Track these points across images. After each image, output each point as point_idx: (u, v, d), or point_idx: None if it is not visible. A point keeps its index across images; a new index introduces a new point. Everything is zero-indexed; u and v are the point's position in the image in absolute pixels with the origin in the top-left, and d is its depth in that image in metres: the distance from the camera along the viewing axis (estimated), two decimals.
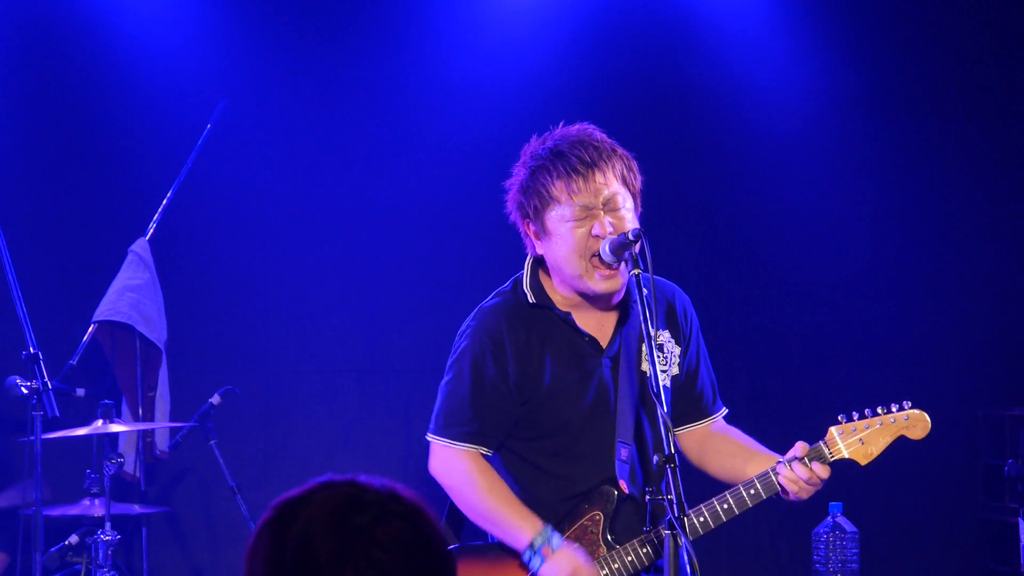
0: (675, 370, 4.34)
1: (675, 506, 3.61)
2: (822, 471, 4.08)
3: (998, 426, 7.63)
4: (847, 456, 4.12)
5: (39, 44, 7.06)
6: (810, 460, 4.08)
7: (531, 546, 4.13)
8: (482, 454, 4.27)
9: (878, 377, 7.54)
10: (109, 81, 7.12)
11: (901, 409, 4.15)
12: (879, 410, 4.16)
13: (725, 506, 4.08)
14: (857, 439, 4.11)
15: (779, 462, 4.12)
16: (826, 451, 4.10)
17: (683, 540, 3.57)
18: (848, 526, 6.16)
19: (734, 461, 4.31)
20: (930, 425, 4.15)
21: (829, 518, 6.17)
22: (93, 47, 7.09)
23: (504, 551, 4.25)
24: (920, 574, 7.65)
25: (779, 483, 4.08)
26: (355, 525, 2.01)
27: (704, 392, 4.42)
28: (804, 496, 4.10)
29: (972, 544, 7.70)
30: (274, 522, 2.06)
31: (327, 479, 2.10)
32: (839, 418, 4.13)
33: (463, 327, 4.35)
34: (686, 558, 3.58)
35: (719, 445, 4.39)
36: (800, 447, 4.11)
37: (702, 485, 4.35)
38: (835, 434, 4.12)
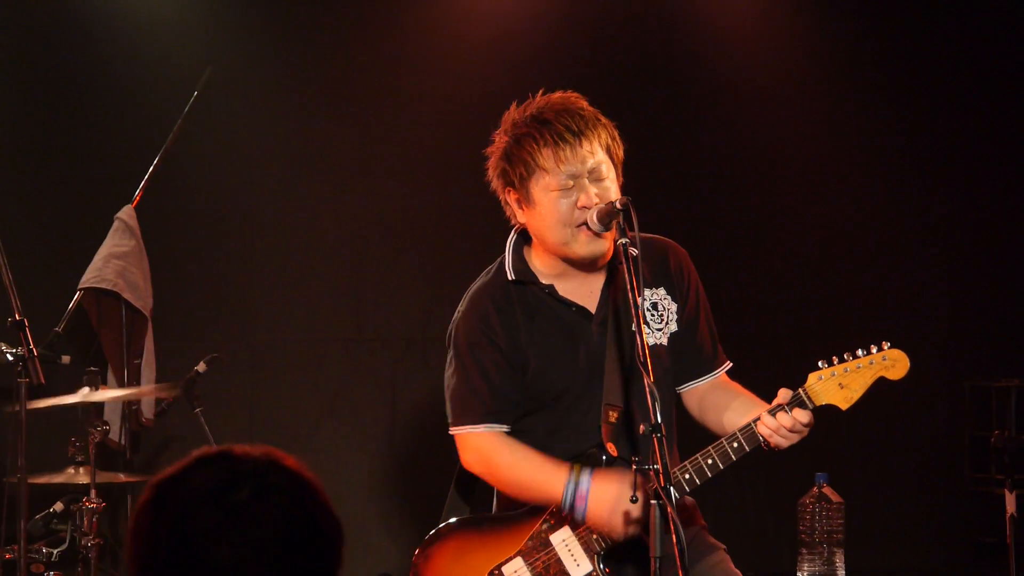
0: (673, 327, 4.31)
1: (660, 476, 3.60)
2: (802, 416, 4.02)
3: (984, 397, 7.66)
4: (827, 401, 4.08)
5: (24, 12, 7.01)
6: (790, 407, 4.04)
7: (563, 507, 4.11)
8: (500, 431, 4.26)
9: (863, 348, 7.54)
10: (95, 48, 7.08)
11: (880, 349, 4.11)
12: (858, 352, 4.12)
13: (709, 461, 4.05)
14: (836, 383, 4.07)
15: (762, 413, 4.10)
16: (805, 397, 4.06)
17: (670, 510, 3.55)
18: (833, 496, 6.17)
19: (727, 415, 4.28)
20: (909, 364, 4.10)
21: (815, 488, 6.18)
22: (79, 13, 7.05)
23: (498, 521, 4.24)
24: (906, 545, 7.67)
25: (760, 433, 4.04)
26: (232, 502, 1.96)
27: (704, 348, 4.38)
28: (784, 444, 4.04)
29: (958, 515, 7.73)
30: (151, 501, 2.02)
31: (202, 454, 2.05)
32: (819, 363, 4.10)
33: (455, 315, 4.34)
34: (671, 527, 3.56)
35: (717, 400, 4.35)
36: (781, 395, 4.08)
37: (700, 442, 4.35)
38: (814, 380, 4.09)
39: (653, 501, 3.59)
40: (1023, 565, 6.46)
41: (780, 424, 4.01)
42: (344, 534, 2.06)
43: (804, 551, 6.24)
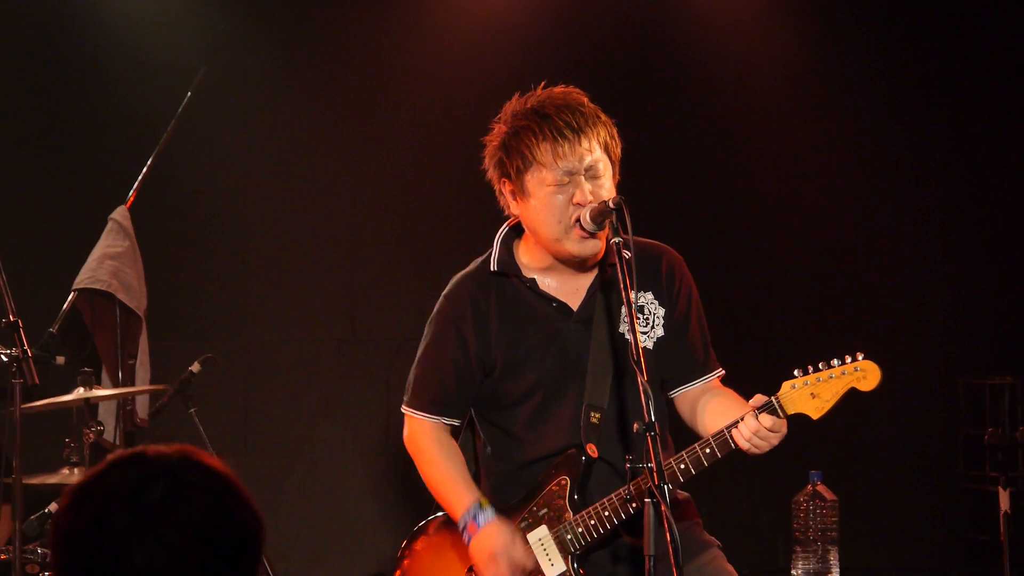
0: (660, 331, 4.30)
1: (655, 474, 3.59)
2: (770, 423, 4.00)
3: (978, 395, 7.66)
4: (798, 410, 4.07)
5: (17, 12, 7.01)
6: (760, 413, 4.02)
7: (460, 523, 4.20)
8: (446, 424, 4.32)
9: (857, 346, 7.53)
10: (88, 49, 7.08)
11: (853, 360, 4.10)
12: (833, 362, 4.10)
13: (682, 466, 4.04)
14: (808, 392, 4.06)
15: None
16: (777, 405, 4.04)
17: (664, 510, 3.55)
18: (828, 494, 6.18)
19: (716, 420, 4.27)
20: (880, 375, 4.09)
21: (809, 486, 6.19)
22: (72, 14, 7.05)
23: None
24: (900, 542, 7.68)
25: (732, 438, 4.03)
26: (144, 502, 1.96)
27: (695, 352, 4.36)
28: (756, 451, 4.02)
29: (952, 513, 7.73)
30: (68, 506, 2.02)
31: (116, 456, 2.04)
32: (795, 372, 4.09)
33: (440, 297, 4.37)
34: (666, 526, 3.56)
35: (707, 406, 4.33)
36: (755, 401, 4.07)
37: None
38: (787, 388, 4.08)
39: (647, 499, 3.59)
40: (1017, 562, 6.48)
41: (747, 430, 4.00)
42: (264, 527, 2.04)
43: (798, 549, 6.25)
